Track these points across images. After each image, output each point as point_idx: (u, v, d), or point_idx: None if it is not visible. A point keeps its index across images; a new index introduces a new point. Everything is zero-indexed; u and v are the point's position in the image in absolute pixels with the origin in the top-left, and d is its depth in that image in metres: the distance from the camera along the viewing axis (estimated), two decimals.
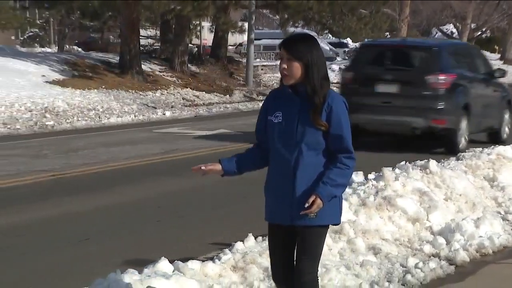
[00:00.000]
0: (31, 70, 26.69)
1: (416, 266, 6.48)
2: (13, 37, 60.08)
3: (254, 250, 6.20)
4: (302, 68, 4.13)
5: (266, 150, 4.34)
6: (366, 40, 36.26)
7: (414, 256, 6.83)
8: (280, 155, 4.22)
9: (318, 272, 5.91)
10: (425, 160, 8.97)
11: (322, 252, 6.45)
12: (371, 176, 8.59)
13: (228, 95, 30.00)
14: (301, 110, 4.17)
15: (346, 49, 60.39)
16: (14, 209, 9.11)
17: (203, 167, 4.31)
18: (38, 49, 48.79)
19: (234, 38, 55.46)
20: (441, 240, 7.21)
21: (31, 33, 62.35)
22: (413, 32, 66.88)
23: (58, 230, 8.14)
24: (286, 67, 4.15)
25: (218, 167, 4.33)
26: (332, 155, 4.22)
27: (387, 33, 60.48)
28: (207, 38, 48.95)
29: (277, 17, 42.74)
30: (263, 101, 4.45)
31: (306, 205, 4.08)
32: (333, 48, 60.67)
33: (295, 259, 4.39)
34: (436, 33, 68.93)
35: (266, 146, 4.33)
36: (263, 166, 4.42)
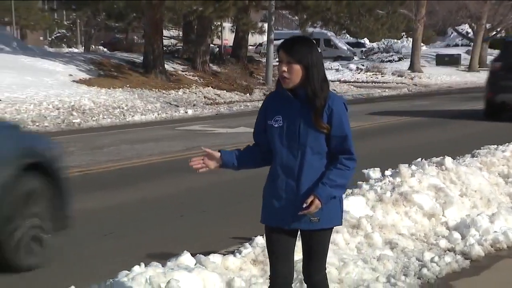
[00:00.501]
0: (58, 69, 26.87)
1: (432, 260, 6.43)
2: (41, 38, 60.50)
3: None
4: (302, 71, 3.94)
5: (265, 153, 4.17)
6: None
7: (430, 251, 6.78)
8: (283, 159, 4.05)
9: (336, 266, 5.91)
10: (441, 157, 8.91)
11: (340, 246, 6.46)
12: (387, 172, 8.54)
13: (248, 94, 30.03)
14: (302, 113, 3.99)
15: (363, 49, 60.27)
16: None
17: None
18: (66, 49, 49.10)
19: (254, 39, 55.57)
20: (456, 235, 7.16)
21: (58, 34, 62.82)
22: (429, 32, 66.71)
23: (83, 224, 8.16)
24: (286, 70, 3.94)
25: (217, 154, 4.15)
26: (333, 157, 4.06)
27: (404, 33, 60.33)
28: (228, 38, 49.06)
29: (296, 18, 42.63)
30: (263, 104, 4.21)
31: (304, 205, 3.94)
32: (351, 48, 60.63)
33: (302, 261, 4.27)
34: (452, 33, 68.59)
35: (266, 148, 4.15)
36: (263, 166, 4.26)
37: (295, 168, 4.03)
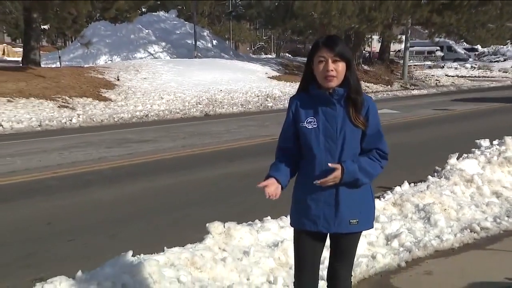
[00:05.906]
0: (258, 69, 27.47)
1: None
2: (248, 48, 62.12)
3: (408, 192, 6.00)
4: (346, 69, 2.65)
5: (295, 156, 2.82)
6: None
7: None
8: (322, 162, 2.68)
9: (455, 208, 5.61)
10: None
11: (458, 195, 6.13)
12: (495, 142, 7.99)
13: (389, 86, 29.36)
14: (340, 113, 2.67)
15: (476, 53, 56.65)
16: (245, 161, 9.32)
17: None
18: (263, 56, 50.03)
19: (395, 46, 53.61)
20: None
21: (259, 45, 64.09)
22: None
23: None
24: (333, 69, 2.60)
25: (273, 181, 2.75)
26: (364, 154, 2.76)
27: (508, 40, 55.79)
28: (375, 46, 47.76)
29: (426, 31, 40.71)
30: (289, 108, 2.83)
31: (329, 165, 2.65)
32: (467, 52, 57.06)
33: (329, 266, 2.89)
34: None
35: (295, 152, 2.81)
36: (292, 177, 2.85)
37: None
